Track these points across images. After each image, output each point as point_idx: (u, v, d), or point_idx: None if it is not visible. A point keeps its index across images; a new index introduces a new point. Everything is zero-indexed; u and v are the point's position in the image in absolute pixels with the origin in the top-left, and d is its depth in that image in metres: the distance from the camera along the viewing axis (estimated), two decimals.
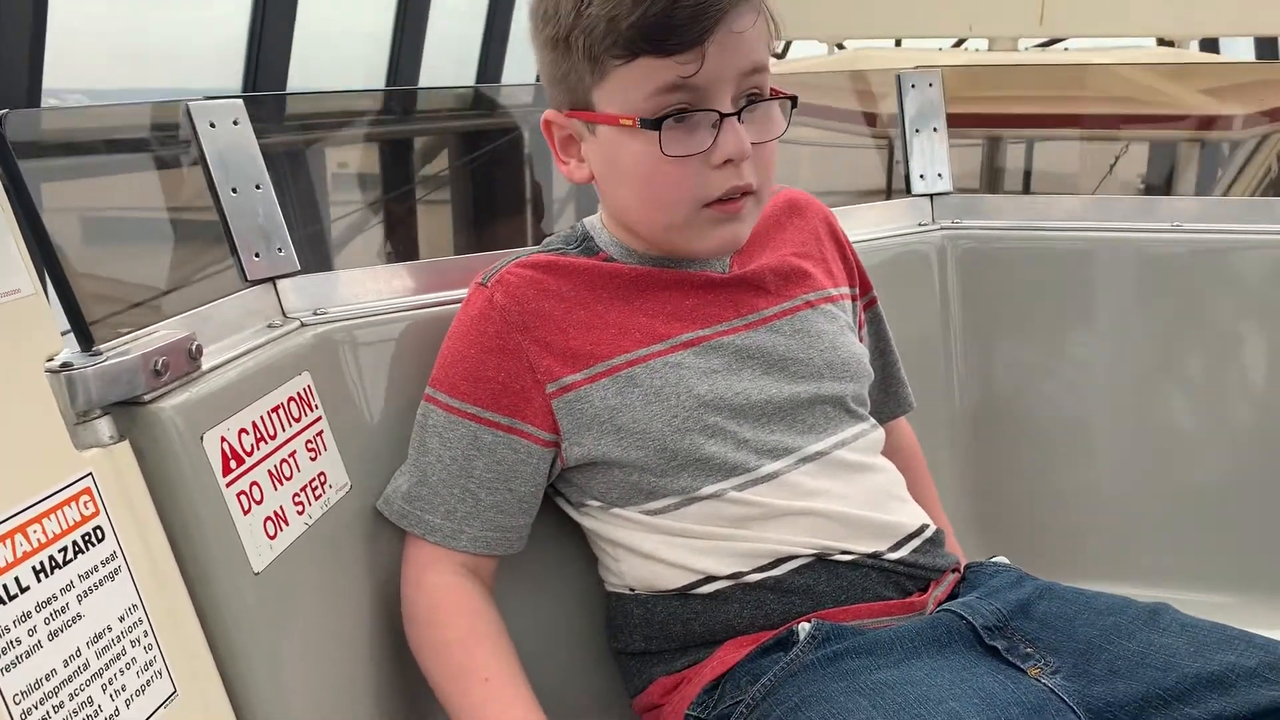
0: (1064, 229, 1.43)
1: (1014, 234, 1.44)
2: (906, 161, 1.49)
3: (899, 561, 0.97)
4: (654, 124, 0.91)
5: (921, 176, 1.48)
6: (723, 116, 0.91)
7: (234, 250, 0.99)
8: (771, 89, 0.95)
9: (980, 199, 1.49)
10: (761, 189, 0.96)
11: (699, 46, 0.88)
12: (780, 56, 7.01)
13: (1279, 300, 1.37)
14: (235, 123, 1.01)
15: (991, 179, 3.81)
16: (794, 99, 0.95)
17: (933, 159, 1.49)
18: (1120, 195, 1.48)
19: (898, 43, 5.16)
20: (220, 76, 4.54)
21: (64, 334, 0.76)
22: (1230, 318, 1.39)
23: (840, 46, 5.15)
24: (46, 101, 3.35)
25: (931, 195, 1.48)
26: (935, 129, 1.50)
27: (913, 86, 1.49)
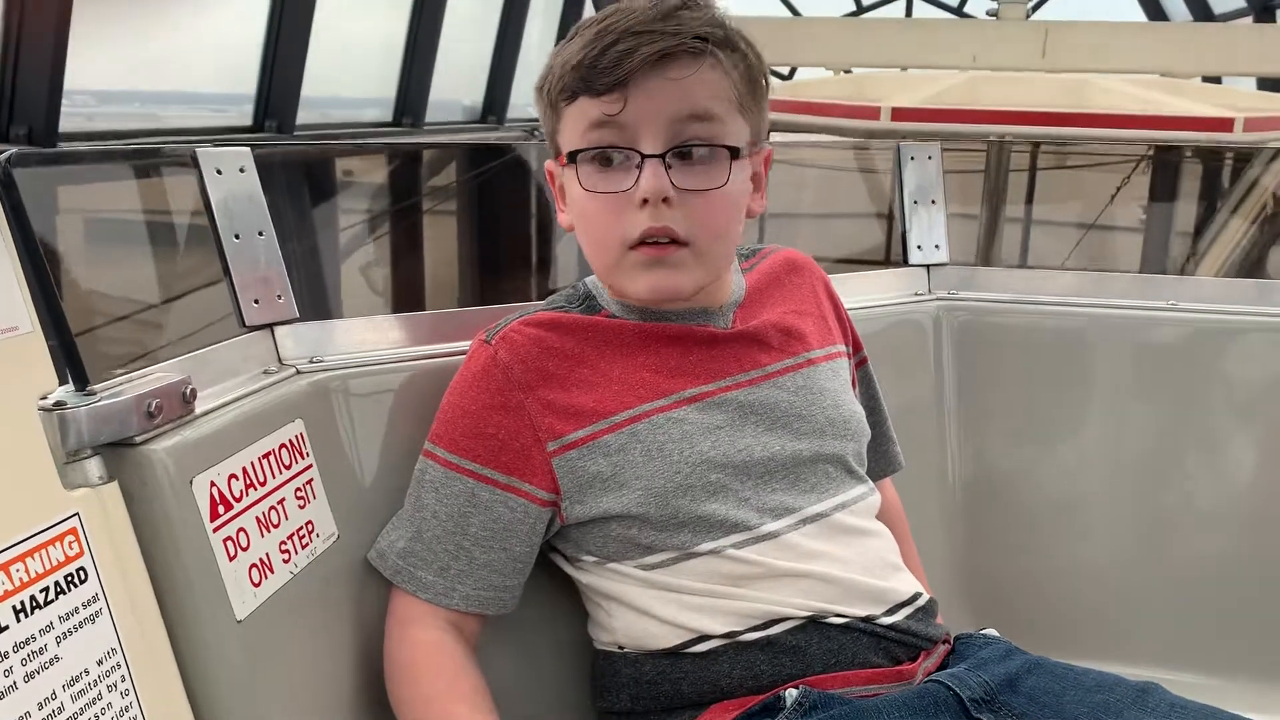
0: (1060, 304, 1.44)
1: (1010, 307, 1.45)
2: (905, 231, 1.51)
3: (891, 627, 0.97)
4: (572, 156, 0.95)
5: (919, 247, 1.50)
6: (644, 157, 0.92)
7: (234, 296, 1.00)
8: (712, 141, 0.94)
9: (977, 271, 1.50)
10: (697, 240, 0.95)
11: (622, 87, 0.91)
12: (786, 78, 7.12)
13: (1274, 383, 1.37)
14: (241, 170, 1.02)
15: (993, 202, 3.84)
16: (734, 151, 0.95)
17: (930, 230, 1.50)
18: (1117, 273, 1.49)
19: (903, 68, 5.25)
20: (234, 82, 4.58)
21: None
22: (1225, 399, 1.39)
23: (847, 71, 5.25)
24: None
25: (928, 266, 1.49)
26: (934, 201, 1.51)
27: (912, 159, 1.51)
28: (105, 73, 4.02)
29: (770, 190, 1.06)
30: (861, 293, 1.41)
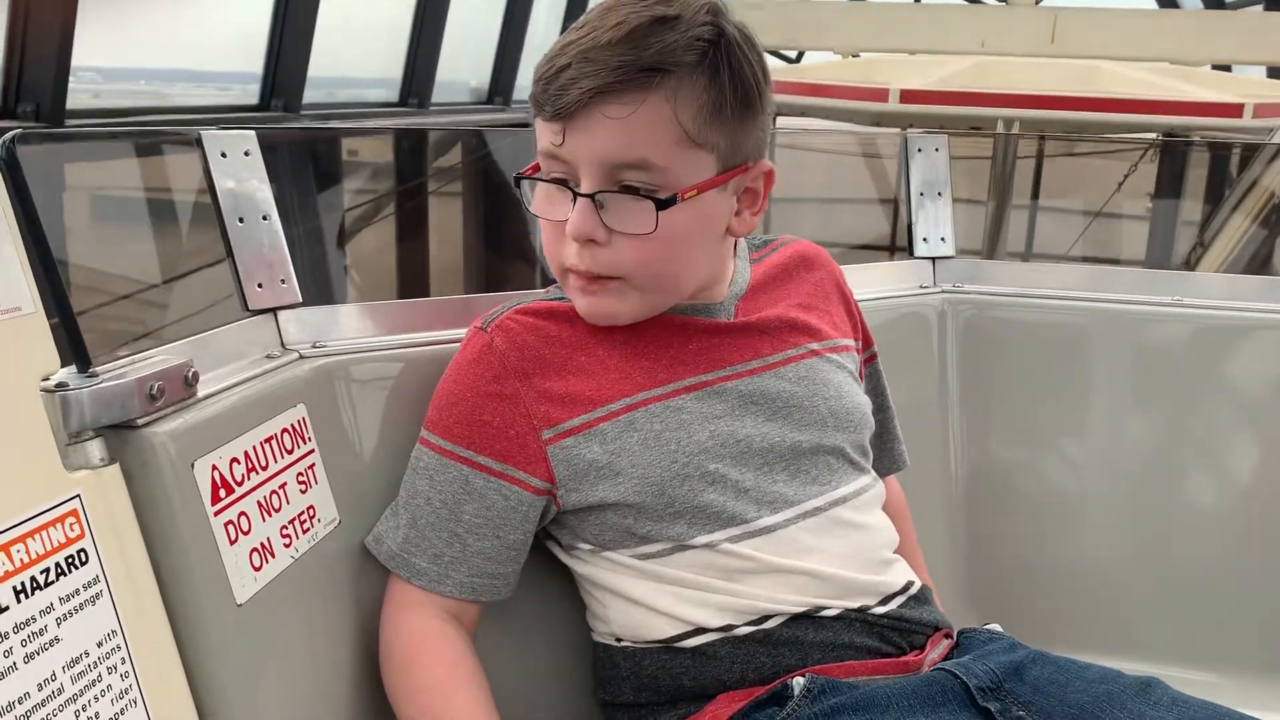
0: (1065, 298, 1.44)
1: (1015, 301, 1.45)
2: (910, 223, 1.50)
3: (884, 616, 0.97)
4: (517, 180, 0.96)
5: (925, 239, 1.49)
6: (575, 195, 0.91)
7: (237, 279, 0.99)
8: (649, 188, 0.90)
9: (982, 264, 1.50)
10: (631, 277, 0.93)
11: (562, 119, 0.90)
12: (795, 61, 7.09)
13: (1277, 380, 1.37)
14: (246, 154, 1.02)
15: (1000, 190, 3.84)
16: (664, 201, 0.89)
17: (936, 222, 1.50)
18: (1122, 267, 1.48)
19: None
20: (241, 61, 4.57)
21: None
22: (1229, 395, 1.39)
23: (855, 56, 5.24)
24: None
25: (934, 258, 1.49)
26: (940, 194, 1.51)
27: (919, 150, 1.51)
28: (112, 49, 4.01)
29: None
30: (866, 284, 1.40)
